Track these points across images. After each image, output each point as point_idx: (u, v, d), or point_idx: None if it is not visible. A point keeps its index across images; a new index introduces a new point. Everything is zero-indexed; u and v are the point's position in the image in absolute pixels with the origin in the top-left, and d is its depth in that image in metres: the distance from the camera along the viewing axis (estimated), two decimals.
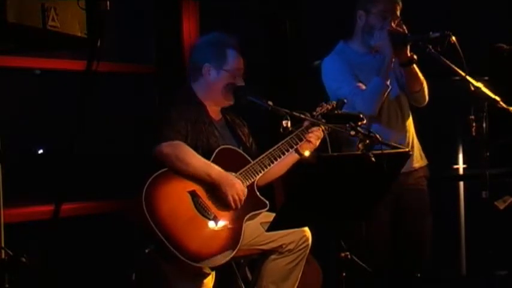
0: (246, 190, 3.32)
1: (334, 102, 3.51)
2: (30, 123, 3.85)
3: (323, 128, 3.40)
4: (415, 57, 3.63)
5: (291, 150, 3.44)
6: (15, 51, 3.29)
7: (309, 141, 3.46)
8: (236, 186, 3.27)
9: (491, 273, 4.31)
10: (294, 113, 3.35)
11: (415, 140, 3.84)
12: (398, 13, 3.71)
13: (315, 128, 3.46)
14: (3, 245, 2.88)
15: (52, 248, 2.68)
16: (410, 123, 3.83)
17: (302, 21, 5.10)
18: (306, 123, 3.47)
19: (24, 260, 2.69)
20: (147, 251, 3.14)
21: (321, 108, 3.49)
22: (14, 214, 3.46)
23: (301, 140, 3.45)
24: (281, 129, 3.42)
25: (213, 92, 3.48)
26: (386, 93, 3.63)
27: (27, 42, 2.72)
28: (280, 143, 3.44)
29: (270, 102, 3.37)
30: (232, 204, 3.26)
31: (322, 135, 3.46)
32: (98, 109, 3.56)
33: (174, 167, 3.20)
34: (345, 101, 3.50)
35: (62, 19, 2.54)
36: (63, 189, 2.70)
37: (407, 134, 3.78)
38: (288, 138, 3.44)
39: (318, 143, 3.48)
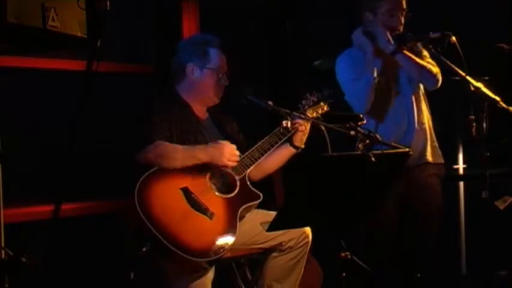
0: (234, 146, 3.34)
1: (320, 94, 3.51)
2: (30, 123, 3.85)
3: (308, 115, 3.42)
4: (403, 46, 3.62)
5: (279, 142, 3.45)
6: (15, 51, 3.29)
7: (297, 130, 3.45)
8: (225, 151, 3.30)
9: (491, 273, 4.31)
10: (294, 113, 3.36)
11: (429, 137, 3.81)
12: (404, 5, 3.71)
13: (297, 116, 3.45)
14: (3, 245, 2.88)
15: (52, 248, 2.68)
16: (423, 121, 3.80)
17: (302, 21, 5.10)
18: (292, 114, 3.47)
19: (24, 260, 2.69)
20: (144, 249, 3.14)
21: (306, 100, 3.48)
22: (14, 214, 3.46)
23: (289, 131, 3.45)
24: (281, 129, 3.43)
25: (198, 91, 3.50)
26: (374, 86, 3.64)
27: (27, 42, 2.72)
28: (268, 136, 3.45)
29: (270, 102, 3.38)
30: (232, 164, 3.31)
31: (308, 121, 3.44)
32: (98, 109, 3.56)
33: (162, 166, 3.21)
34: (330, 91, 3.51)
35: (62, 19, 2.54)
36: (63, 189, 2.70)
37: (419, 134, 3.76)
38: (275, 130, 3.46)
39: (307, 128, 3.47)
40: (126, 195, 3.14)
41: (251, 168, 3.41)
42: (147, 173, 3.17)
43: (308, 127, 3.47)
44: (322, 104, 3.49)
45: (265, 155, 3.43)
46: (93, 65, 2.59)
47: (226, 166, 3.31)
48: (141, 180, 3.14)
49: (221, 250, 3.15)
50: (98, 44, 2.60)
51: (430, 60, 3.76)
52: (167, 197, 3.18)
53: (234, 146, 3.34)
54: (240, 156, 3.39)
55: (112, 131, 4.10)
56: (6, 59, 3.56)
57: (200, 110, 3.55)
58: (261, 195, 3.38)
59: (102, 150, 4.04)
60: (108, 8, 2.61)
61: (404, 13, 3.69)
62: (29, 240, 2.77)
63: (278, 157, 3.53)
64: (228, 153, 3.30)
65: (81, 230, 3.88)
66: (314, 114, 3.47)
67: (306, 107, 3.47)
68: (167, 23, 4.45)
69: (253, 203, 3.37)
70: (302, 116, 3.42)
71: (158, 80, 4.38)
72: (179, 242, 3.07)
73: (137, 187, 3.11)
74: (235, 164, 3.32)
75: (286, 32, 5.10)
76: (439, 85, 3.74)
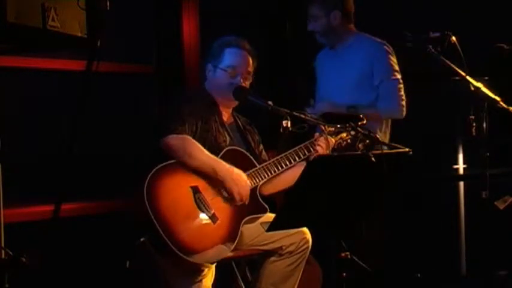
0: (250, 185, 3.31)
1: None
2: (30, 123, 3.85)
3: (332, 140, 3.41)
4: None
5: (298, 159, 3.43)
6: (15, 51, 3.29)
7: (317, 151, 3.45)
8: (241, 182, 3.27)
9: (491, 273, 4.31)
10: (294, 113, 3.35)
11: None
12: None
13: (322, 139, 3.44)
14: (3, 245, 2.88)
15: (52, 248, 2.68)
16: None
17: (302, 21, 5.10)
18: (316, 135, 3.47)
19: (24, 260, 2.69)
20: (142, 239, 3.14)
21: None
22: (14, 214, 3.46)
23: (309, 151, 3.45)
24: (281, 129, 3.42)
25: (214, 91, 3.50)
26: None
27: (27, 42, 2.72)
28: (288, 152, 3.43)
29: (270, 102, 3.38)
30: (238, 199, 3.26)
31: (331, 145, 3.44)
32: (98, 109, 3.56)
33: (180, 159, 3.21)
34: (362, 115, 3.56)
35: (62, 19, 2.54)
36: (63, 189, 2.70)
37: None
38: (297, 147, 3.44)
39: (326, 152, 3.46)
40: (126, 195, 3.14)
41: (264, 180, 3.39)
42: (161, 165, 3.17)
43: (327, 152, 3.46)
44: (344, 134, 3.48)
45: (281, 170, 3.41)
46: (93, 65, 2.59)
47: (231, 195, 3.26)
48: (153, 170, 3.13)
49: (217, 255, 3.15)
50: (98, 44, 2.60)
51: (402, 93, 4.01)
52: (176, 192, 3.17)
53: (249, 190, 3.30)
54: (255, 166, 3.39)
55: (112, 131, 4.10)
56: (6, 59, 3.56)
57: (225, 112, 3.55)
58: (267, 208, 3.37)
59: (102, 150, 4.04)
60: (108, 8, 2.61)
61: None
62: (29, 240, 2.77)
63: (291, 174, 3.43)
64: (242, 189, 3.26)
65: (81, 230, 3.87)
66: (336, 138, 3.46)
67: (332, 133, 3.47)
68: (167, 23, 4.45)
69: (259, 215, 3.36)
70: (302, 116, 3.42)
71: (158, 80, 4.38)
72: (176, 238, 3.06)
73: (148, 177, 3.11)
74: (239, 202, 3.27)
75: (286, 32, 5.10)
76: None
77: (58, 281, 3.67)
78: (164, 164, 3.18)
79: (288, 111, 3.38)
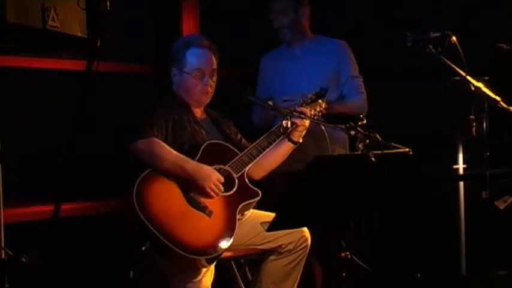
0: (222, 178, 3.29)
1: (317, 92, 3.51)
2: (30, 123, 3.85)
3: (305, 110, 3.43)
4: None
5: (277, 139, 3.45)
6: (15, 51, 3.30)
7: (297, 125, 3.45)
8: (211, 176, 3.25)
9: (491, 273, 4.31)
10: (294, 113, 3.36)
11: None
12: None
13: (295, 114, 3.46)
14: (3, 245, 2.88)
15: (52, 248, 2.68)
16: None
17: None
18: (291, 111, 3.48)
19: (24, 260, 2.69)
20: (143, 248, 3.14)
21: (304, 98, 3.50)
22: (14, 214, 3.46)
23: (286, 128, 3.46)
24: (281, 129, 3.44)
25: (184, 93, 3.50)
26: None
27: (27, 42, 2.72)
28: (266, 134, 3.45)
29: (270, 102, 3.38)
30: (212, 194, 3.24)
31: (306, 119, 3.45)
32: (98, 109, 3.56)
33: (149, 163, 3.21)
34: (327, 88, 3.53)
35: (62, 19, 2.54)
36: (63, 189, 2.70)
37: None
38: (273, 128, 3.46)
39: (306, 124, 3.47)
40: (126, 195, 3.14)
41: (249, 165, 3.40)
42: (145, 172, 3.18)
43: (307, 123, 3.47)
44: (320, 101, 3.50)
45: (264, 153, 3.42)
46: (93, 65, 2.59)
47: (205, 192, 3.24)
48: (139, 178, 3.15)
49: (220, 248, 3.15)
50: (98, 44, 2.60)
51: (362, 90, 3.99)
52: (166, 196, 3.18)
53: (222, 179, 3.29)
54: (237, 155, 3.39)
55: (112, 131, 4.10)
56: (6, 59, 3.56)
57: (198, 109, 3.56)
58: (259, 192, 3.38)
59: (102, 150, 4.04)
60: (108, 8, 2.61)
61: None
62: (29, 240, 2.77)
63: (277, 153, 3.52)
64: (213, 181, 3.24)
65: (81, 230, 3.87)
66: (312, 112, 3.48)
67: (304, 104, 3.48)
68: (167, 23, 4.45)
69: (252, 200, 3.37)
70: (302, 115, 3.42)
71: (158, 80, 4.38)
72: (178, 240, 3.08)
73: (136, 186, 3.12)
74: (214, 194, 3.25)
75: None
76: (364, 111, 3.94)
77: (58, 281, 3.67)
78: (147, 171, 3.19)
79: (288, 111, 3.38)
